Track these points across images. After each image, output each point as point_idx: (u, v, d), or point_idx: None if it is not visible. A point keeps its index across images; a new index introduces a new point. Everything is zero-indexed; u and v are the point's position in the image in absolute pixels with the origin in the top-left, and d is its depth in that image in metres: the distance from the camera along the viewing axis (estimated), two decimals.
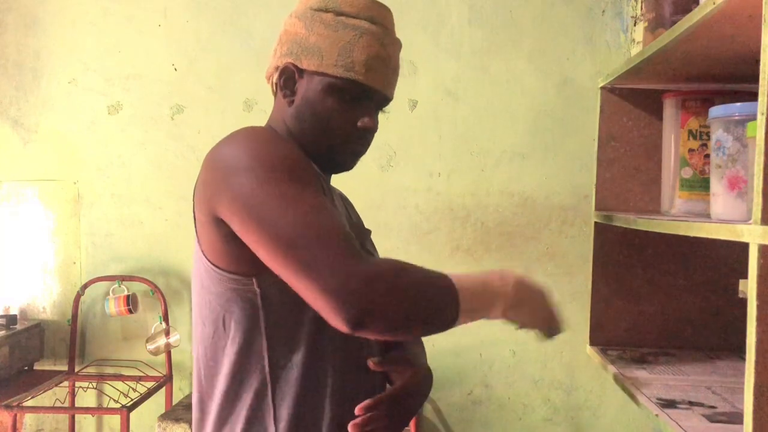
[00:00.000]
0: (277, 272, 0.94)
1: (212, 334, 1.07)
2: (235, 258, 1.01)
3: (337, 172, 1.17)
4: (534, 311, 1.09)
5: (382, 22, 1.11)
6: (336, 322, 0.89)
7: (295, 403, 1.04)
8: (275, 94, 1.17)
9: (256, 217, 0.94)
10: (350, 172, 1.17)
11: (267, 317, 1.03)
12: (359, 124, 1.11)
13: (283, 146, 1.03)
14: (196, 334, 1.12)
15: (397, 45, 1.14)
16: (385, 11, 1.13)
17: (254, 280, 1.02)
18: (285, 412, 1.04)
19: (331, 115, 1.09)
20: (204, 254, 1.05)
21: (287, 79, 1.11)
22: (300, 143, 1.11)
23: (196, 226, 1.07)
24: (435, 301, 0.98)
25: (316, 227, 0.92)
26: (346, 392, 1.08)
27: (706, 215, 1.23)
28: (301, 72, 1.10)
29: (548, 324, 1.13)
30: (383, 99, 1.14)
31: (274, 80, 1.14)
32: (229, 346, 1.05)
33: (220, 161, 1.01)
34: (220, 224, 1.00)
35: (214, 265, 1.04)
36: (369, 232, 1.26)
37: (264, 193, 0.94)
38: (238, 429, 1.05)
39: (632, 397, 1.27)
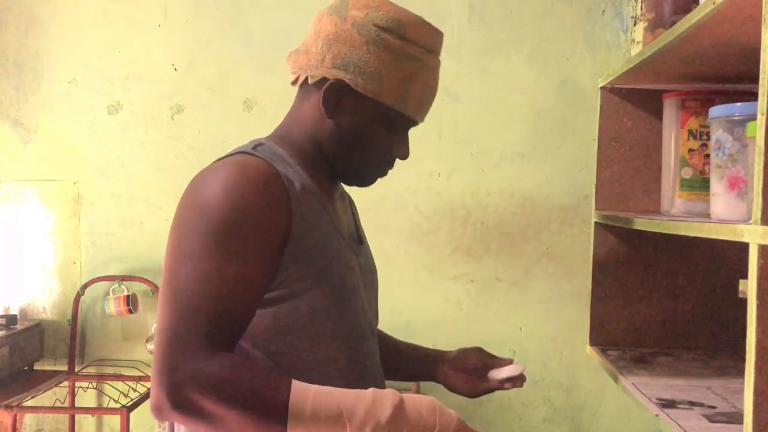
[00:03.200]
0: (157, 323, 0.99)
1: None
2: None
3: (353, 185, 1.18)
4: None
5: (437, 50, 1.11)
6: (154, 401, 0.93)
7: None
8: (303, 90, 1.11)
9: (165, 269, 0.99)
10: None
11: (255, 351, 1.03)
12: (396, 153, 1.13)
13: (248, 192, 0.98)
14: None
15: (439, 68, 1.15)
16: (440, 38, 1.12)
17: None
18: None
19: (372, 142, 1.09)
20: None
21: (335, 94, 1.06)
22: (328, 157, 1.11)
23: None
24: (254, 427, 0.92)
25: (196, 309, 0.93)
26: None
27: (706, 215, 1.23)
28: (351, 91, 1.06)
29: None
30: (416, 124, 1.15)
31: (309, 82, 1.08)
32: None
33: (185, 197, 1.03)
34: None
35: None
36: (360, 244, 1.22)
37: (183, 252, 0.97)
38: None
39: (632, 397, 1.27)
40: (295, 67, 1.11)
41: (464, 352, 1.32)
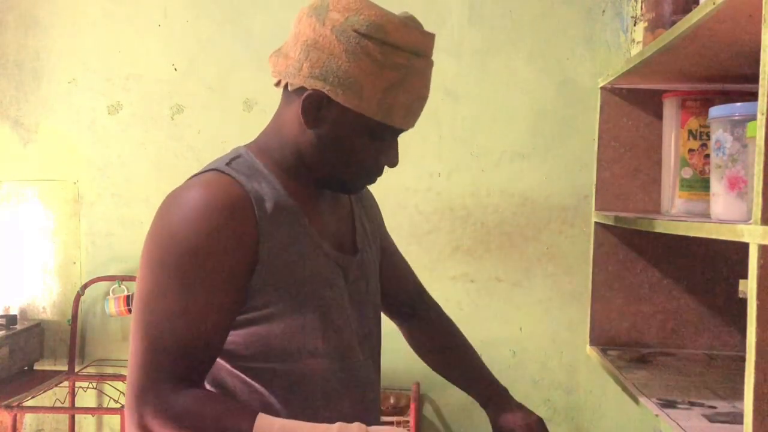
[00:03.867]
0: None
1: None
2: None
3: (344, 193, 1.16)
4: None
5: (426, 52, 1.03)
6: (127, 423, 0.97)
7: None
8: (284, 96, 1.08)
9: (135, 298, 1.01)
10: None
11: (239, 372, 1.04)
12: (384, 161, 1.08)
13: (206, 228, 0.98)
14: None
15: (431, 69, 1.06)
16: (430, 40, 1.04)
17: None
18: None
19: (357, 152, 1.04)
20: None
21: (315, 106, 1.01)
22: (310, 168, 1.07)
23: None
24: None
25: (160, 340, 0.96)
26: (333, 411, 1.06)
27: (706, 215, 1.23)
28: (331, 101, 1.00)
29: None
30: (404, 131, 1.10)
31: (290, 89, 1.04)
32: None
33: (154, 222, 1.02)
34: None
35: None
36: (354, 254, 1.18)
37: (150, 283, 0.98)
38: None
39: (632, 397, 1.27)
40: (275, 70, 1.06)
41: (519, 415, 1.28)
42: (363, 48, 0.97)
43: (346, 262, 1.13)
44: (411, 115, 1.05)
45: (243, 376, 1.03)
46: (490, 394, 1.32)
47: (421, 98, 1.05)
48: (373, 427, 0.96)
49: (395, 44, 0.98)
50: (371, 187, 1.21)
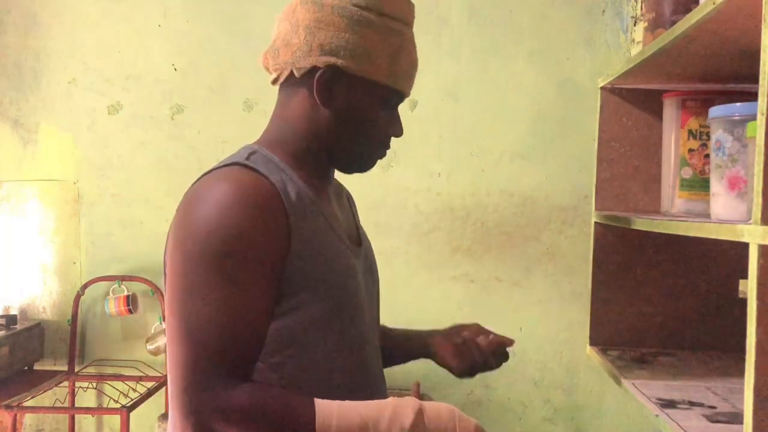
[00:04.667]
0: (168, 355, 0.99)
1: None
2: None
3: (354, 172, 1.16)
4: None
5: (412, 23, 1.09)
6: (178, 424, 0.95)
7: None
8: (286, 85, 1.08)
9: (169, 301, 0.99)
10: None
11: None
12: (392, 132, 1.11)
13: (245, 213, 0.98)
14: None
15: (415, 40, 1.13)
16: (413, 9, 1.10)
17: None
18: None
19: (372, 123, 1.08)
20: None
21: (329, 80, 1.03)
22: (325, 146, 1.08)
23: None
24: None
25: (205, 341, 0.94)
26: None
27: (706, 215, 1.23)
28: (342, 75, 1.03)
29: None
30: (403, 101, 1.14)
31: (315, 78, 1.04)
32: None
33: (182, 218, 1.01)
34: None
35: None
36: (359, 245, 1.19)
37: (187, 283, 0.96)
38: None
39: (632, 397, 1.27)
40: (276, 64, 1.07)
41: (460, 325, 1.29)
42: (365, 19, 1.02)
43: (357, 253, 1.15)
44: (410, 80, 1.10)
45: (264, 368, 1.01)
46: (420, 344, 1.30)
47: (415, 65, 1.10)
48: (426, 402, 0.97)
49: (391, 14, 1.04)
50: (372, 187, 1.21)
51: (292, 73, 1.05)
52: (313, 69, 1.03)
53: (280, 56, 1.06)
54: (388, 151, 1.17)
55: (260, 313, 0.98)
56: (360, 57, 1.02)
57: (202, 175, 1.05)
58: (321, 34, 1.02)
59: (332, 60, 1.02)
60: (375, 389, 1.12)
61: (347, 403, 0.96)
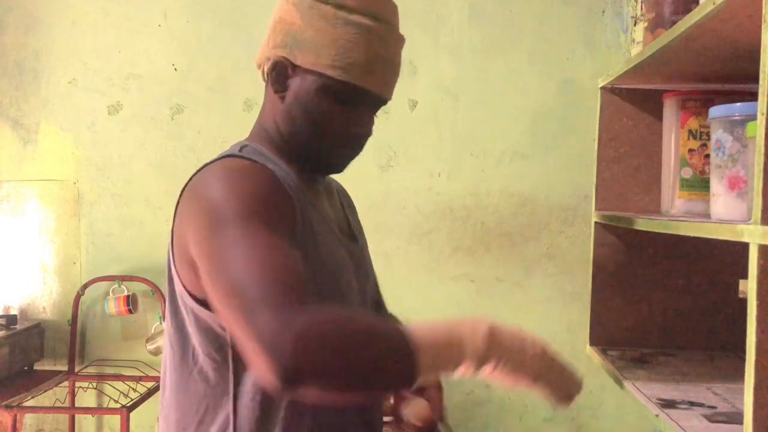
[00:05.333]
0: (224, 321, 0.91)
1: (180, 361, 1.04)
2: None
3: (327, 174, 1.15)
4: (520, 368, 0.88)
5: (386, 18, 1.04)
6: (268, 377, 0.79)
7: None
8: (266, 84, 1.11)
9: (209, 264, 0.91)
10: (350, 172, 1.16)
11: (236, 355, 0.98)
12: (354, 130, 1.06)
13: (257, 184, 0.97)
14: (166, 356, 1.08)
15: (400, 43, 1.08)
16: (390, 5, 1.06)
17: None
18: None
19: (324, 117, 1.04)
20: (179, 276, 1.02)
21: (279, 73, 1.05)
22: (290, 143, 1.08)
23: (172, 244, 1.03)
24: (384, 358, 0.84)
25: (262, 276, 0.85)
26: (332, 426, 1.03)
27: (706, 215, 1.23)
28: (294, 67, 1.03)
29: (549, 384, 0.91)
30: (380, 101, 1.08)
31: (266, 70, 1.08)
32: (198, 375, 1.02)
33: (194, 198, 0.99)
34: (192, 260, 0.97)
35: (189, 292, 1.01)
36: (355, 241, 1.18)
37: (222, 238, 0.90)
38: None
39: (632, 397, 1.27)
40: (258, 63, 1.11)
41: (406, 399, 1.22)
42: (318, 11, 1.01)
43: (352, 249, 1.14)
44: (372, 75, 1.03)
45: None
46: None
47: (383, 60, 1.04)
48: (500, 325, 0.91)
49: (351, 7, 1.01)
50: (372, 187, 1.21)
51: (263, 69, 1.08)
52: (269, 61, 1.06)
53: (258, 55, 1.10)
54: (387, 151, 1.16)
55: (298, 257, 0.92)
56: (305, 47, 1.01)
57: (197, 171, 1.04)
58: (278, 28, 1.04)
59: (281, 52, 1.03)
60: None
61: (427, 322, 0.89)
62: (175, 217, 1.04)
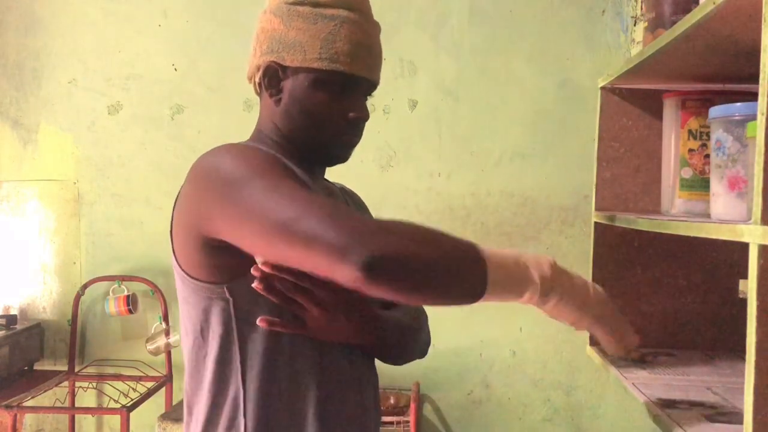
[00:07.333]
0: (281, 260, 0.92)
1: (193, 343, 1.07)
2: (209, 267, 1.01)
3: (333, 164, 1.17)
4: (584, 306, 0.92)
5: (359, 8, 1.10)
6: (347, 271, 0.81)
7: (263, 420, 1.01)
8: (259, 94, 1.15)
9: (239, 218, 0.93)
10: (350, 172, 1.17)
11: (240, 328, 1.02)
12: (350, 115, 1.10)
13: (261, 154, 1.02)
14: (182, 343, 1.12)
15: (377, 29, 1.13)
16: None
17: (225, 288, 1.01)
18: (251, 424, 1.01)
19: (321, 109, 1.08)
20: (179, 265, 1.05)
21: (271, 78, 1.10)
22: (292, 142, 1.11)
23: (172, 237, 1.07)
24: (458, 261, 0.88)
25: (312, 203, 0.89)
26: (331, 412, 1.04)
27: (706, 215, 1.23)
28: (285, 69, 1.09)
29: (610, 327, 0.93)
30: (370, 86, 1.12)
31: (257, 80, 1.13)
32: (209, 356, 1.05)
33: (203, 176, 1.00)
34: (199, 236, 0.99)
35: (188, 275, 1.04)
36: None
37: (252, 190, 0.92)
38: None
39: (632, 397, 1.27)
40: (248, 77, 1.17)
41: None
42: (296, 12, 1.07)
43: None
44: (357, 61, 1.08)
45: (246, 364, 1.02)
46: None
47: (363, 46, 1.08)
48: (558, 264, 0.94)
49: (325, 3, 1.07)
50: (372, 187, 1.21)
51: (254, 81, 1.14)
52: (259, 70, 1.11)
53: (247, 69, 1.16)
54: (387, 151, 1.17)
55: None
56: (291, 47, 1.07)
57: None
58: (262, 37, 1.11)
59: (269, 58, 1.09)
60: (360, 374, 1.12)
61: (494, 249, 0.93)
62: (175, 205, 1.06)
